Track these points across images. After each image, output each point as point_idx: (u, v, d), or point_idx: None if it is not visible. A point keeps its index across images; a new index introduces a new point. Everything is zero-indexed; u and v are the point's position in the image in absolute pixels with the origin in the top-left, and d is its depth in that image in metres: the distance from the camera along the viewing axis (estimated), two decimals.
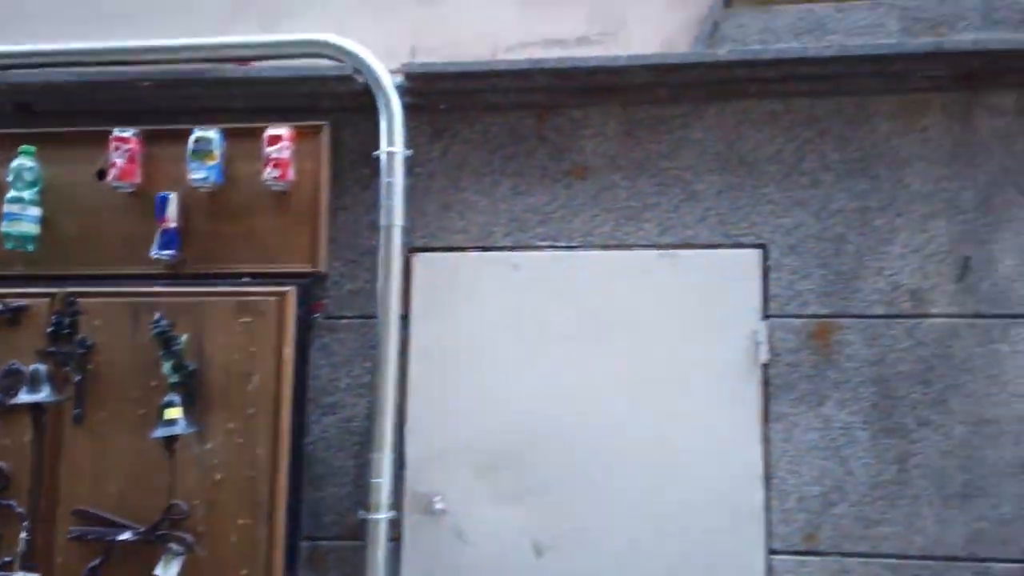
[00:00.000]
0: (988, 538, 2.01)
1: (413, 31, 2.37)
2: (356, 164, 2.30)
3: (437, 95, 2.29)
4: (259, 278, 2.21)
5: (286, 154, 2.20)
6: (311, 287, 2.26)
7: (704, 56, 2.16)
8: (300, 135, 2.27)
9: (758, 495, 2.10)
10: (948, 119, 2.12)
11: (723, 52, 2.15)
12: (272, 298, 2.11)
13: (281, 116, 2.29)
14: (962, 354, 2.07)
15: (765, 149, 2.19)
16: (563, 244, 2.24)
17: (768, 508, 2.10)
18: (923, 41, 2.09)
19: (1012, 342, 2.05)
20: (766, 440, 2.12)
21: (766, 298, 2.16)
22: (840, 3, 2.14)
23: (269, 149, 2.20)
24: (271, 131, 2.21)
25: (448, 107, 2.30)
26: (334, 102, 2.32)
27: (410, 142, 2.22)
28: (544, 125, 2.28)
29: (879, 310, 2.11)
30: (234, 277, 2.20)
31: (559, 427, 2.18)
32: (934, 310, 2.09)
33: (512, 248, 2.26)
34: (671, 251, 2.20)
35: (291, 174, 2.22)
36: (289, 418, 2.09)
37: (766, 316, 2.15)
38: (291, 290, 2.13)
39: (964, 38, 2.09)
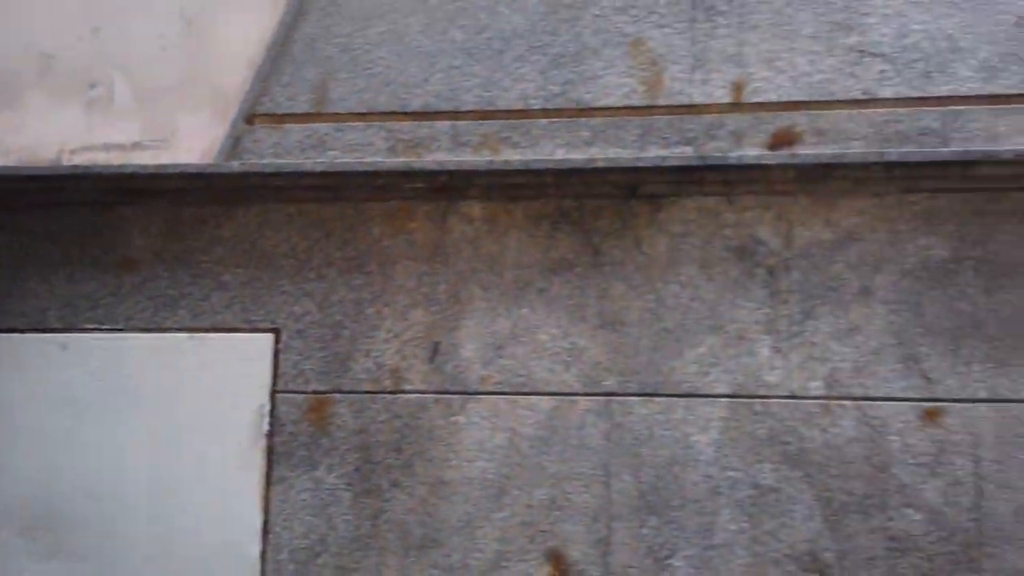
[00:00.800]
0: None
1: None
2: None
3: (3, 194, 2.57)
4: None
5: None
6: None
7: (221, 167, 2.50)
8: None
9: (256, 549, 2.42)
10: (429, 224, 2.50)
11: (236, 164, 2.50)
12: None
13: None
14: (428, 425, 2.43)
15: (282, 247, 2.53)
16: (108, 327, 2.54)
17: (264, 560, 2.42)
18: (398, 160, 2.47)
19: (468, 415, 2.43)
20: (267, 500, 2.45)
21: (276, 376, 2.49)
22: (338, 123, 2.51)
23: None
24: None
25: (13, 204, 2.59)
26: None
27: None
28: (99, 221, 2.59)
29: (366, 387, 2.46)
30: None
31: (96, 491, 2.47)
32: (408, 387, 2.45)
33: (63, 330, 2.55)
34: (200, 334, 2.52)
35: None
36: None
37: (275, 392, 2.48)
38: None
39: (433, 158, 2.47)
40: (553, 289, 2.44)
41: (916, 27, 2.31)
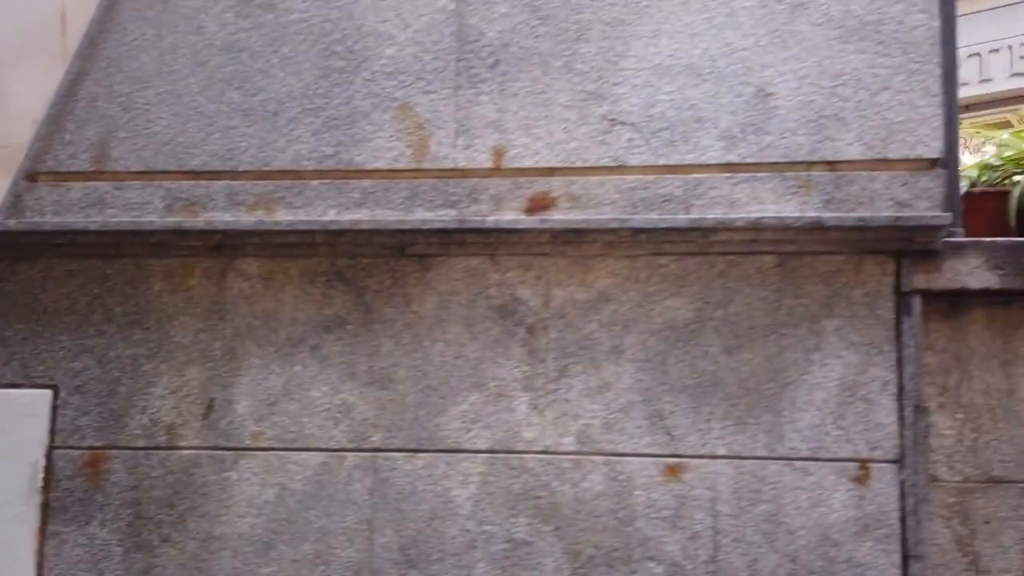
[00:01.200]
0: None
1: None
2: None
3: None
4: None
5: None
6: None
7: None
8: None
9: None
10: (208, 281, 2.54)
11: (12, 223, 2.52)
12: None
13: None
14: (201, 480, 2.48)
15: (63, 302, 2.56)
16: None
17: None
18: (172, 219, 2.51)
19: (240, 471, 2.47)
20: (41, 555, 2.47)
21: (53, 432, 2.52)
22: (118, 182, 2.54)
23: None
24: None
25: None
26: None
27: None
28: None
29: (141, 443, 2.50)
30: None
31: None
32: (183, 443, 2.49)
33: None
34: None
35: None
36: None
37: (53, 447, 2.51)
38: None
39: (209, 217, 2.52)
40: (326, 346, 2.49)
41: (663, 97, 2.40)
